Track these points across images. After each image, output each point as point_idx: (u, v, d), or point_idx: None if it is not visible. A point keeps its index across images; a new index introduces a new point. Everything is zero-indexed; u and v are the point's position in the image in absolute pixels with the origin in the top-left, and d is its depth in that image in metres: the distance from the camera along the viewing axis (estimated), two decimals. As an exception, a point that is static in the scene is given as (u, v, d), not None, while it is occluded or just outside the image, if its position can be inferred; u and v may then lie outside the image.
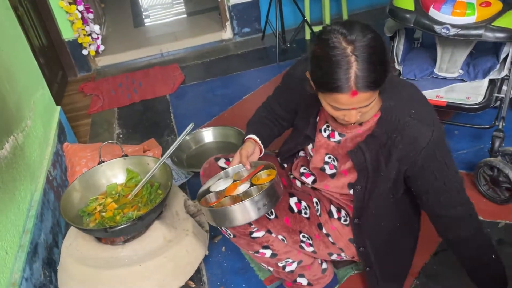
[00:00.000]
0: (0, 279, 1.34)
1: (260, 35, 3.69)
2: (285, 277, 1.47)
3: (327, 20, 3.45)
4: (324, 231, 1.36)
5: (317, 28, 3.51)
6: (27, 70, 2.13)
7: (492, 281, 1.31)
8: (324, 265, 1.50)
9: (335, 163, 1.32)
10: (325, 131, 1.32)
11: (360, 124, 1.23)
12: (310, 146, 1.39)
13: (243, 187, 1.29)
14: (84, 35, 3.42)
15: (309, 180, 1.43)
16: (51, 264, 1.69)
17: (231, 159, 1.46)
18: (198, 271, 1.70)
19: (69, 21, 3.35)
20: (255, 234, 1.32)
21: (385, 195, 1.26)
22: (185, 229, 1.62)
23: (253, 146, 1.38)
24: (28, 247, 1.53)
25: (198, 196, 1.33)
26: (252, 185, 1.28)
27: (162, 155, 1.64)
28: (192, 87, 3.19)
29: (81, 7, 3.33)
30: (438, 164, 1.16)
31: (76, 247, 1.58)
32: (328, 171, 1.35)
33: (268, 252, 1.36)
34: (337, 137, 1.29)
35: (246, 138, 1.42)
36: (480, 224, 1.28)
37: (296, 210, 1.34)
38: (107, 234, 1.49)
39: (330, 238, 1.37)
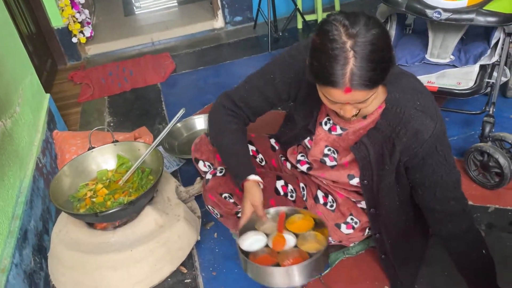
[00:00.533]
0: (-11, 265, 1.33)
1: (252, 24, 3.66)
2: None
3: (319, 9, 3.44)
4: None
5: (309, 17, 3.50)
6: (14, 56, 2.09)
7: (482, 277, 1.29)
8: None
9: (335, 155, 1.30)
10: (325, 124, 1.28)
11: (364, 117, 1.19)
12: (307, 138, 1.36)
13: (290, 240, 1.19)
14: (75, 21, 3.37)
15: (304, 167, 1.42)
16: (41, 250, 1.68)
17: None
18: (190, 256, 1.69)
19: (59, 7, 3.30)
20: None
21: (393, 188, 1.24)
22: (176, 214, 1.62)
23: (260, 191, 1.22)
24: (17, 233, 1.52)
25: (242, 251, 1.19)
26: (295, 234, 1.20)
27: (153, 142, 1.64)
28: (183, 75, 3.17)
29: (71, -7, 3.29)
30: (438, 158, 1.14)
31: (66, 233, 1.57)
32: (329, 163, 1.33)
33: None
34: (339, 131, 1.26)
35: (246, 179, 1.23)
36: (473, 220, 1.26)
37: (282, 193, 1.34)
38: (97, 219, 1.48)
39: None
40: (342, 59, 0.95)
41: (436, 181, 1.17)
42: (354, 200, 1.38)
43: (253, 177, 1.24)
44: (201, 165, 1.51)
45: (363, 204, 1.39)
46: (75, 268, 1.51)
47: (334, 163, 1.31)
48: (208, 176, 1.37)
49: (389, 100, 1.13)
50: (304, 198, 1.37)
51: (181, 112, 1.64)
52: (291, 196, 1.35)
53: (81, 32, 3.49)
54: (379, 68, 0.97)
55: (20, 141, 1.81)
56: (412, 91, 1.14)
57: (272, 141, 1.56)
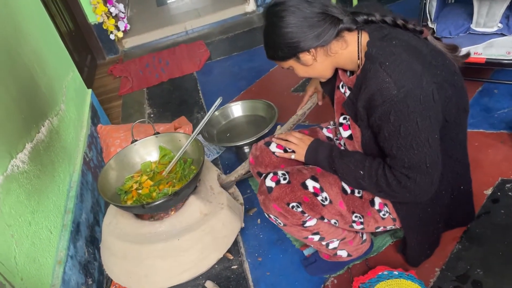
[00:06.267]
0: (47, 258, 1.40)
1: (284, 4, 3.59)
2: (325, 251, 1.45)
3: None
4: (376, 207, 1.30)
5: (343, -7, 3.39)
6: (56, 54, 2.16)
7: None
8: (364, 237, 1.48)
9: (349, 123, 1.28)
10: (342, 87, 1.31)
11: (352, 73, 1.23)
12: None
13: None
14: (108, 17, 3.43)
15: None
16: (93, 241, 1.75)
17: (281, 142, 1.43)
18: (235, 243, 1.72)
19: (92, 5, 3.37)
20: (307, 224, 1.30)
21: (372, 144, 1.19)
22: (220, 202, 1.64)
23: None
24: (70, 226, 1.59)
25: None
26: None
27: (193, 132, 1.65)
28: (218, 62, 3.17)
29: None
30: (390, 127, 1.07)
31: (116, 224, 1.62)
32: (343, 133, 1.31)
33: (316, 237, 1.35)
34: (348, 92, 1.27)
35: None
36: (390, 185, 1.14)
37: (349, 191, 1.29)
38: (144, 210, 1.52)
39: (381, 214, 1.31)
40: None
41: (387, 149, 1.12)
42: None
43: None
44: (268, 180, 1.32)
45: None
46: (126, 258, 1.56)
47: (349, 131, 1.29)
48: (270, 183, 1.28)
49: (366, 55, 1.11)
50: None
51: (219, 101, 1.64)
52: (358, 192, 1.30)
53: (116, 27, 3.55)
54: (269, 47, 1.19)
55: (66, 137, 1.88)
56: (395, 52, 1.06)
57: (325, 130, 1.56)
